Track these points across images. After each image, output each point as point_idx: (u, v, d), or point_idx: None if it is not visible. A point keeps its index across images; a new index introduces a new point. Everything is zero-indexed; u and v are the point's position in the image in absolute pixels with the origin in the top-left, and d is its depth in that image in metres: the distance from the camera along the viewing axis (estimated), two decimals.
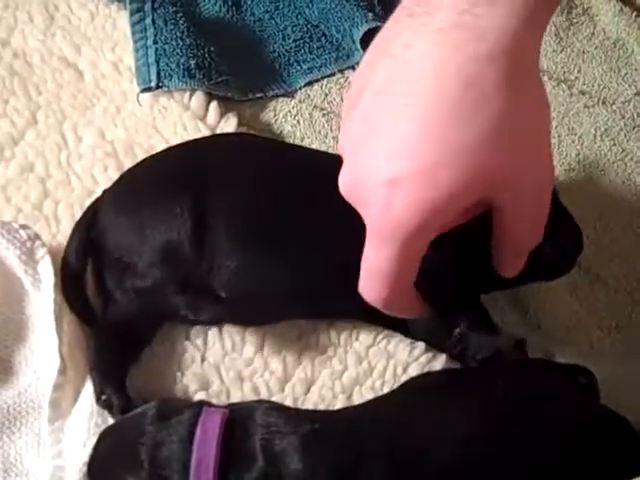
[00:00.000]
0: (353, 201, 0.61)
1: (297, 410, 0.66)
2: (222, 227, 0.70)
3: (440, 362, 0.73)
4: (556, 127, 0.90)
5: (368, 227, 0.60)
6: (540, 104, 0.60)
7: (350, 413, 0.66)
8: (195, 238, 0.69)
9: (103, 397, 0.67)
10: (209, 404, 0.64)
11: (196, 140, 0.81)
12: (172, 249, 0.69)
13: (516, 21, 0.56)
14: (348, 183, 0.61)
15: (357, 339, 0.74)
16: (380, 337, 0.74)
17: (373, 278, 0.62)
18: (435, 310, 0.71)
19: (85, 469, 0.63)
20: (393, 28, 0.60)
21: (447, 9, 0.56)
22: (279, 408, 0.64)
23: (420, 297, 0.67)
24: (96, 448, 0.63)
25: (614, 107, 0.92)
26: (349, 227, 0.71)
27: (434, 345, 0.74)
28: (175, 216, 0.69)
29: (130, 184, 0.75)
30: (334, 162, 0.78)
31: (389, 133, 0.58)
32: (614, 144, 0.90)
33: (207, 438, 0.59)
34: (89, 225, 0.73)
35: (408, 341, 0.74)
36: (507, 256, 0.66)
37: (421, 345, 0.73)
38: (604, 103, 0.93)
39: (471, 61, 0.56)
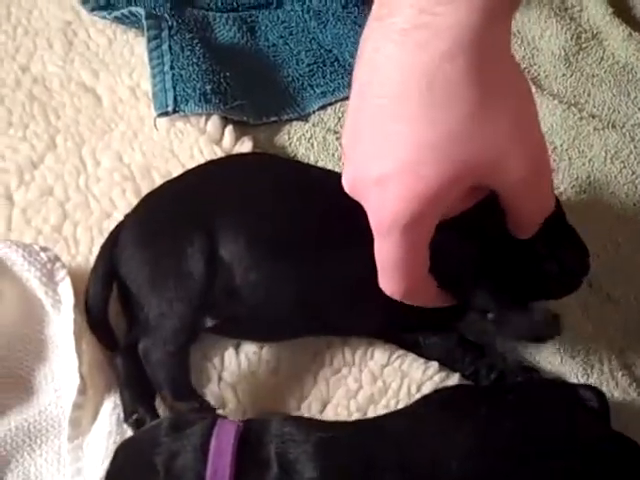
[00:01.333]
0: (356, 198, 0.64)
1: (310, 420, 0.67)
2: (238, 244, 0.71)
3: (453, 381, 0.73)
4: (567, 150, 0.91)
5: (371, 223, 0.63)
6: (516, 89, 0.61)
7: (364, 424, 0.67)
8: (208, 273, 0.70)
9: (135, 416, 0.67)
10: (223, 417, 0.65)
11: (212, 162, 0.82)
12: (183, 294, 0.70)
13: (476, 18, 0.57)
14: (347, 183, 0.64)
15: (372, 358, 0.75)
16: (394, 356, 0.75)
17: (386, 271, 0.64)
18: (459, 297, 0.71)
19: None
20: (366, 32, 0.62)
21: (408, 9, 0.58)
22: (293, 418, 0.65)
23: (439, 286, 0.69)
24: (113, 460, 0.63)
25: (624, 130, 0.93)
26: (364, 245, 0.72)
27: (447, 365, 0.75)
28: (187, 252, 0.70)
29: (147, 214, 0.76)
30: None
31: (371, 134, 0.60)
32: (624, 167, 0.91)
33: (222, 449, 0.60)
34: (112, 251, 0.74)
35: (422, 360, 0.75)
36: (522, 228, 0.68)
37: (435, 364, 0.74)
38: (614, 126, 0.94)
39: (434, 59, 0.57)
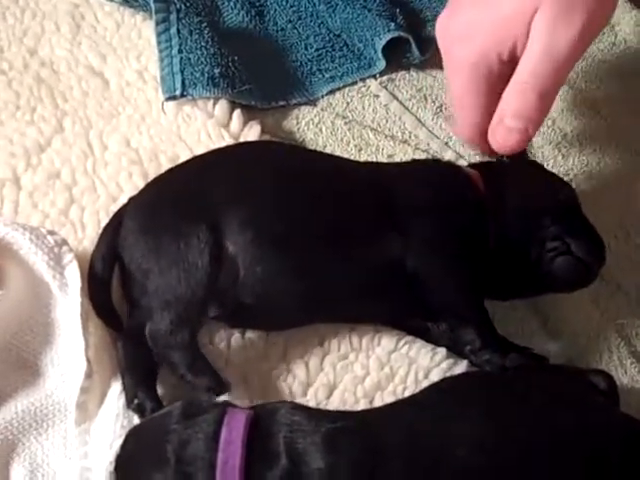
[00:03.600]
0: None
1: (319, 410, 0.67)
2: (244, 236, 0.70)
3: (461, 368, 0.73)
4: (577, 136, 0.90)
5: (449, 62, 0.79)
6: None
7: (371, 413, 0.67)
8: (213, 264, 0.69)
9: (136, 401, 0.67)
10: (233, 405, 0.65)
11: (220, 150, 0.81)
12: (187, 284, 0.69)
13: None
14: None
15: (379, 344, 0.74)
16: (402, 342, 0.74)
17: (457, 110, 0.80)
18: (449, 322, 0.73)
19: (112, 467, 0.63)
20: None
21: None
22: (302, 408, 0.64)
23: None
24: (123, 446, 0.63)
25: (635, 117, 0.93)
26: (371, 233, 0.72)
27: (456, 352, 0.75)
28: (193, 243, 0.70)
29: (152, 202, 0.75)
30: (355, 169, 0.79)
31: None
32: (635, 154, 0.90)
33: (232, 437, 0.60)
34: (115, 233, 0.73)
35: (430, 347, 0.74)
36: (528, 100, 0.73)
37: (442, 351, 0.74)
38: (625, 113, 0.93)
39: None
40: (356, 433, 0.62)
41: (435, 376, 0.72)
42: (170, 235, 0.71)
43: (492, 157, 0.81)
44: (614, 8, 0.75)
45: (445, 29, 0.78)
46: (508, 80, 0.74)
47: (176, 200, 0.73)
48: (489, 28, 0.73)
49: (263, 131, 0.87)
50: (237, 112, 0.86)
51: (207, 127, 0.86)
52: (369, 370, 0.73)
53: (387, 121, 0.91)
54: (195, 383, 0.67)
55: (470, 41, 0.74)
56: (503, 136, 0.74)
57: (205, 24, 0.91)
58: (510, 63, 0.73)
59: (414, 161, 0.84)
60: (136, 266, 0.71)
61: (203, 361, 0.69)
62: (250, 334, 0.74)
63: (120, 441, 0.64)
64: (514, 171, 0.80)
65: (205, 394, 0.67)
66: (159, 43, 0.89)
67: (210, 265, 0.69)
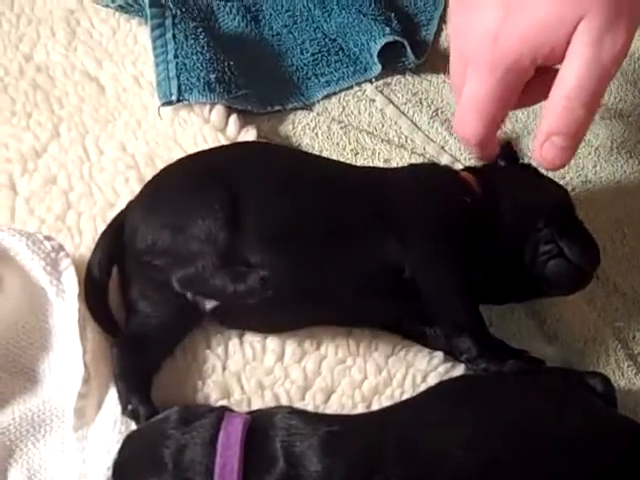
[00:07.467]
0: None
1: (316, 414, 0.67)
2: (250, 229, 0.70)
3: (458, 372, 0.74)
4: None
5: (476, 61, 0.69)
6: None
7: (367, 417, 0.67)
8: (229, 223, 0.69)
9: (130, 407, 0.67)
10: (230, 409, 0.65)
11: (217, 148, 0.82)
12: (208, 232, 0.69)
13: None
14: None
15: (376, 349, 0.74)
16: (399, 347, 0.75)
17: (472, 111, 0.70)
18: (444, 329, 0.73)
19: (109, 473, 0.63)
20: None
21: None
22: (299, 412, 0.65)
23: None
24: (120, 452, 0.64)
25: (630, 119, 0.93)
26: (368, 238, 0.72)
27: (453, 355, 0.75)
28: (208, 206, 0.70)
29: (157, 187, 0.75)
30: (353, 173, 0.79)
31: None
32: (630, 156, 0.91)
33: (230, 442, 0.60)
34: (114, 237, 0.73)
35: (427, 351, 0.75)
36: (576, 115, 0.67)
37: (440, 355, 0.74)
38: (620, 115, 0.93)
39: None
40: (353, 436, 0.62)
41: (433, 380, 0.73)
42: (182, 204, 0.71)
43: (487, 161, 0.81)
44: None
45: (464, 29, 0.71)
46: (525, 87, 0.70)
47: (182, 181, 0.74)
48: (523, 31, 0.67)
49: (259, 136, 0.87)
50: (233, 117, 0.87)
51: (203, 132, 0.86)
52: (367, 374, 0.73)
53: (383, 125, 0.91)
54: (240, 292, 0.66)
55: (499, 43, 0.68)
56: (553, 155, 0.69)
57: (201, 29, 0.91)
58: (536, 69, 0.68)
59: (411, 166, 0.84)
60: (159, 243, 0.70)
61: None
62: (247, 338, 0.74)
63: (117, 447, 0.64)
64: (509, 175, 0.80)
65: None
66: (155, 48, 0.89)
67: (227, 219, 0.70)
